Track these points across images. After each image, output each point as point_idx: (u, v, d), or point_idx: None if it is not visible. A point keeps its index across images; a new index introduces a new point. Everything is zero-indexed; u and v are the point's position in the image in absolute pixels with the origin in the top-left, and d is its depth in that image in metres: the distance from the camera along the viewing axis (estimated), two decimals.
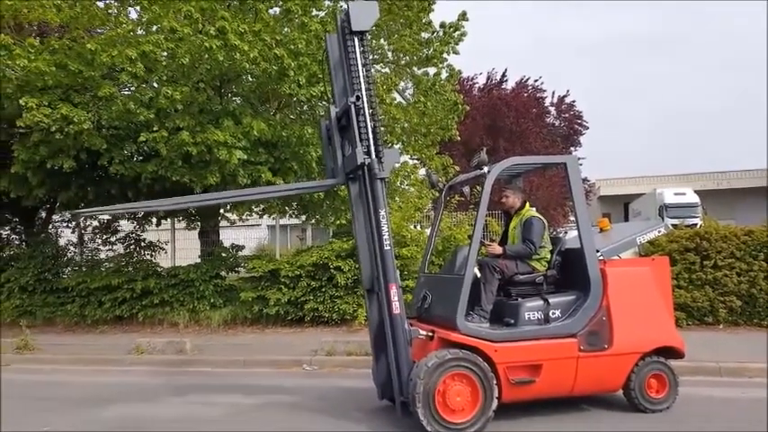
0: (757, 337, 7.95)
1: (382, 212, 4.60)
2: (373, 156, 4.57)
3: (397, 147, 10.60)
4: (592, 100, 71.05)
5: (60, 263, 11.50)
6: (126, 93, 9.41)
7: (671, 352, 5.03)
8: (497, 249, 5.09)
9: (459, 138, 12.55)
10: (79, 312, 10.48)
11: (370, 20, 4.74)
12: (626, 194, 31.68)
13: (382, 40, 11.33)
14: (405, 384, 4.48)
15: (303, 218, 12.97)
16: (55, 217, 12.89)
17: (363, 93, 4.62)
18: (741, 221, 10.97)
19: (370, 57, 4.71)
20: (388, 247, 4.60)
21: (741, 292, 8.53)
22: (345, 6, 5.04)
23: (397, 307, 4.52)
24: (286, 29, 9.22)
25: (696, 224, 12.25)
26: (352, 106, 4.55)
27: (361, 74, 4.66)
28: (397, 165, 4.90)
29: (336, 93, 4.97)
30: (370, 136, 4.58)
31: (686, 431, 4.57)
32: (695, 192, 25.74)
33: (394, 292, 4.54)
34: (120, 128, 9.20)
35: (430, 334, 4.74)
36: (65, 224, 12.71)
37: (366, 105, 4.60)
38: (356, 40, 4.67)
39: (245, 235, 14.59)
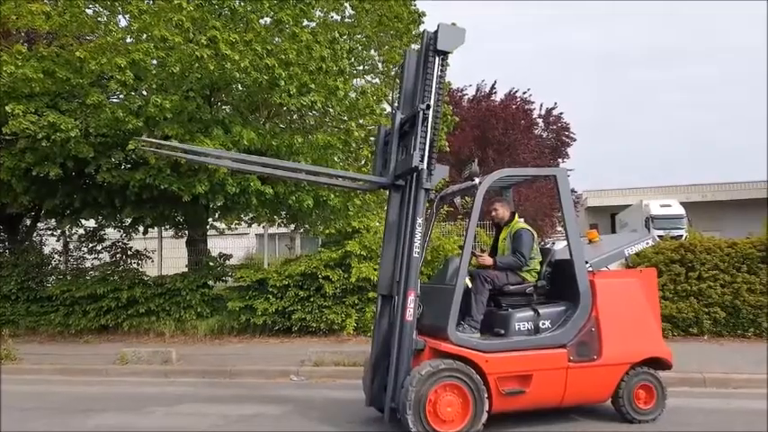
0: (741, 347, 8.05)
1: (419, 220, 4.73)
2: (425, 165, 4.70)
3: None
4: (584, 111, 72.02)
5: (44, 271, 11.35)
6: (115, 101, 9.36)
7: (659, 363, 5.07)
8: (488, 260, 5.13)
9: (448, 149, 12.62)
10: (63, 321, 10.33)
11: (456, 43, 4.97)
12: (613, 206, 32.02)
13: (373, 51, 11.40)
14: (398, 391, 4.48)
15: (292, 227, 12.92)
16: (40, 225, 12.72)
17: (433, 103, 4.80)
18: (727, 234, 11.13)
19: (439, 78, 4.90)
20: (417, 255, 4.69)
21: (725, 303, 8.65)
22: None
23: (410, 314, 4.60)
24: (277, 39, 9.25)
25: (682, 236, 12.41)
26: (421, 113, 4.71)
27: (434, 87, 4.84)
28: (444, 178, 5.24)
29: (403, 101, 5.15)
30: (427, 145, 4.72)
31: None
32: (681, 204, 26.10)
33: (411, 299, 4.61)
34: (108, 136, 9.13)
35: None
36: (49, 232, 12.54)
37: (432, 116, 4.78)
38: (438, 58, 4.87)
39: (233, 244, 14.45)
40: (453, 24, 5.09)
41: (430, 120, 4.71)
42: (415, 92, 4.98)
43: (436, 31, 4.86)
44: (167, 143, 7.26)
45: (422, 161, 4.61)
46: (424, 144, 4.66)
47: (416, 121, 4.72)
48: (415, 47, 11.24)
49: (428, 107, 4.70)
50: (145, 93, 9.11)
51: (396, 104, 5.51)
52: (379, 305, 5.02)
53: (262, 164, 5.91)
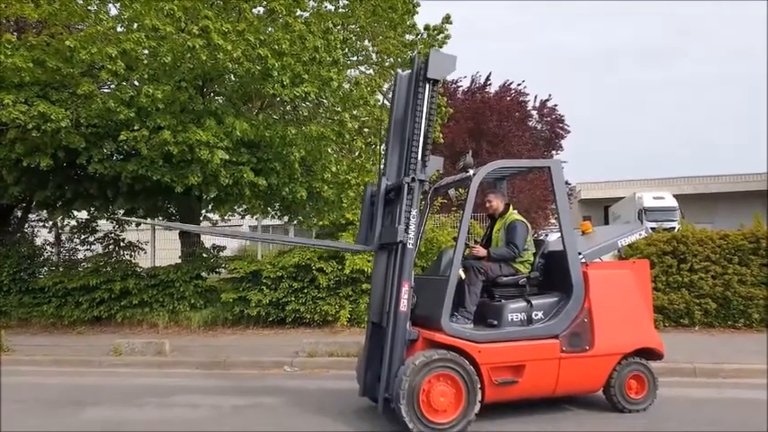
0: (731, 338, 8.13)
1: (406, 276, 4.66)
2: (410, 237, 4.69)
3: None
4: (579, 106, 72.05)
5: (36, 263, 11.27)
6: (106, 91, 9.27)
7: (650, 353, 5.12)
8: (482, 252, 5.15)
9: (442, 140, 12.61)
10: (56, 313, 10.29)
11: (447, 71, 4.99)
12: (606, 198, 32.13)
13: (367, 42, 11.33)
14: (391, 381, 4.50)
15: (285, 219, 12.90)
16: (31, 216, 12.62)
17: (423, 128, 4.77)
18: (719, 226, 11.20)
19: (429, 105, 4.87)
20: (411, 247, 4.70)
21: (716, 294, 8.72)
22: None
23: (404, 305, 4.62)
24: (270, 29, 9.17)
25: (674, 228, 12.47)
26: (406, 185, 4.71)
27: (424, 114, 4.80)
28: (438, 170, 5.26)
29: (393, 127, 5.04)
30: (407, 256, 4.68)
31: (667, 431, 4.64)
32: (674, 196, 26.22)
33: (405, 290, 4.63)
34: (99, 126, 9.04)
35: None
36: (41, 223, 12.46)
37: (422, 138, 4.77)
38: (428, 85, 4.83)
39: None
40: (446, 53, 5.05)
41: (415, 193, 4.70)
42: (405, 119, 4.95)
43: (427, 59, 4.85)
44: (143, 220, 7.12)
45: (406, 233, 4.63)
46: (409, 217, 4.67)
47: (402, 193, 4.71)
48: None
49: (413, 180, 4.70)
50: (136, 83, 9.02)
51: (384, 132, 5.42)
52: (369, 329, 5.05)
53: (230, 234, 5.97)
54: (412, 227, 4.68)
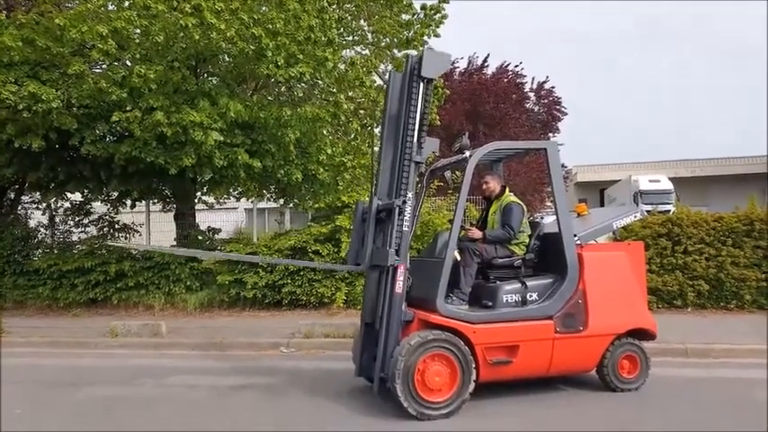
0: (722, 319, 8.22)
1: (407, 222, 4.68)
2: (401, 260, 4.67)
3: (377, 130, 10.52)
4: (576, 89, 71.76)
5: (30, 245, 11.23)
6: (97, 71, 9.14)
7: (644, 334, 5.16)
8: (477, 234, 5.15)
9: (439, 122, 12.53)
10: (51, 295, 10.28)
11: (441, 70, 5.01)
12: (602, 181, 32.16)
13: (362, 22, 11.19)
14: (387, 361, 4.53)
15: (281, 201, 12.86)
16: (24, 198, 12.53)
17: (417, 129, 4.76)
18: (714, 208, 11.24)
19: (424, 103, 4.85)
20: (407, 229, 4.70)
21: (709, 276, 8.78)
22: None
23: (399, 287, 4.63)
24: (264, 8, 9.01)
25: (669, 210, 12.50)
26: (397, 208, 4.67)
27: (418, 114, 4.79)
28: (434, 152, 5.27)
29: (387, 125, 5.00)
30: (403, 239, 4.68)
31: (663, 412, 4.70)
32: (669, 179, 26.26)
33: (401, 271, 4.64)
34: (91, 107, 8.94)
35: None
36: (34, 205, 12.37)
37: (413, 167, 4.77)
38: (422, 84, 4.81)
39: (222, 218, 14.37)
40: (440, 52, 5.00)
41: (405, 227, 4.67)
42: (399, 116, 4.91)
43: (420, 57, 4.81)
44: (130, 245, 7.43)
45: (397, 257, 4.62)
46: (400, 239, 4.66)
47: (392, 215, 4.68)
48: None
49: (404, 203, 4.67)
50: (128, 63, 8.89)
51: (379, 129, 5.39)
52: (368, 276, 4.99)
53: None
54: (404, 246, 4.65)
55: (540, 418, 4.46)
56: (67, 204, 11.85)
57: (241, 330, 8.18)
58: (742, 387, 5.24)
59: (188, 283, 10.05)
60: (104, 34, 7.78)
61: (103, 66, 9.16)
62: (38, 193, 11.80)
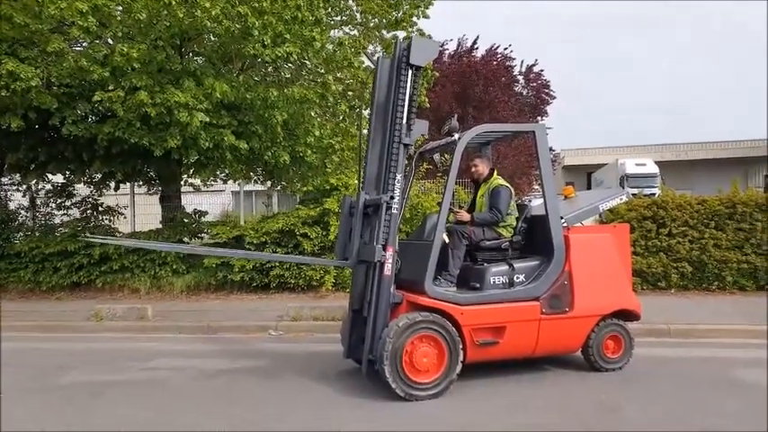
0: (705, 300, 8.36)
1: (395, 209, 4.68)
2: (387, 257, 4.65)
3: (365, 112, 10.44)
4: (566, 73, 71.73)
5: (11, 227, 11.06)
6: (78, 49, 8.91)
7: (628, 315, 5.23)
8: (466, 216, 5.17)
9: (428, 105, 12.46)
10: (33, 279, 10.14)
11: (429, 57, 4.98)
12: (589, 164, 32.36)
13: (351, 1, 11.01)
14: (375, 343, 4.55)
15: (268, 184, 12.76)
16: (3, 180, 12.28)
17: (406, 116, 4.73)
18: (697, 191, 11.37)
19: (412, 92, 4.82)
20: (396, 212, 4.69)
21: (692, 258, 8.91)
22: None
23: (388, 269, 4.64)
24: None
25: (655, 194, 12.63)
26: (384, 204, 4.63)
27: (407, 101, 4.75)
28: (423, 134, 5.26)
29: (375, 112, 4.94)
30: (391, 232, 4.66)
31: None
32: (655, 162, 26.49)
33: (390, 254, 4.63)
34: (72, 86, 8.75)
35: None
36: (14, 187, 12.14)
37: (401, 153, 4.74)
38: (410, 71, 4.78)
39: (209, 201, 14.19)
40: (429, 36, 4.95)
41: (394, 210, 4.66)
42: (387, 104, 4.87)
43: (409, 45, 4.76)
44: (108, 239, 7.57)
45: (384, 254, 4.59)
46: (387, 236, 4.63)
47: (380, 211, 4.64)
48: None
49: (392, 198, 4.64)
50: (110, 41, 8.69)
51: (368, 111, 5.36)
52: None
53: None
54: (391, 237, 4.64)
55: (527, 398, 4.51)
56: (49, 186, 11.64)
57: (229, 313, 8.15)
58: (722, 366, 5.34)
59: (174, 267, 9.97)
60: (84, 11, 7.57)
61: (84, 44, 8.94)
62: (18, 175, 11.57)
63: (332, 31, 10.61)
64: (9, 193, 12.05)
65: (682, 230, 8.94)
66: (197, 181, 12.99)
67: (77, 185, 11.78)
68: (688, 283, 8.97)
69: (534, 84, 27.03)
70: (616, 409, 4.26)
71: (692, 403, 4.34)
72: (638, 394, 4.58)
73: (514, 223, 5.20)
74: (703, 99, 73.47)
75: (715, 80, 76.41)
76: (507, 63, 25.52)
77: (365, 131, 5.17)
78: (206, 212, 11.49)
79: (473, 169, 5.49)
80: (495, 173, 5.44)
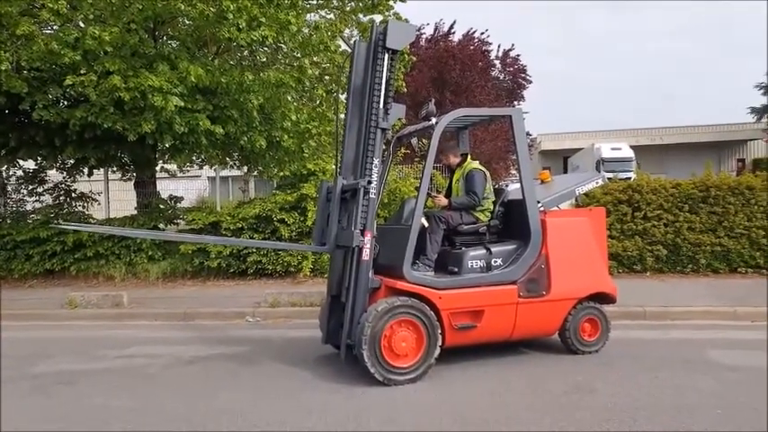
0: (679, 283, 8.54)
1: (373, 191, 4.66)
2: (365, 241, 4.63)
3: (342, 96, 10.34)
4: (542, 58, 71.88)
5: None
6: (48, 32, 8.64)
7: (604, 298, 5.31)
8: (443, 201, 5.19)
9: (405, 89, 12.40)
10: (5, 266, 9.93)
11: (405, 41, 4.91)
12: (566, 149, 32.67)
13: None
14: (354, 327, 4.55)
15: (245, 169, 12.61)
16: None
17: (383, 100, 4.70)
18: (671, 175, 11.55)
19: (388, 76, 4.79)
20: (374, 197, 4.67)
21: (667, 241, 9.08)
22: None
23: (366, 254, 4.63)
24: None
25: (630, 177, 12.80)
26: (362, 189, 4.59)
27: (383, 86, 4.73)
28: (400, 119, 5.28)
29: (352, 96, 4.89)
30: (369, 217, 4.64)
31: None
32: (631, 147, 26.86)
33: (368, 239, 4.62)
34: (42, 70, 8.49)
35: None
36: None
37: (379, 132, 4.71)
38: (387, 55, 4.75)
39: (185, 186, 14.01)
40: (406, 20, 4.90)
41: (371, 194, 4.63)
42: (364, 88, 4.83)
43: (385, 29, 4.70)
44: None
45: (362, 239, 4.57)
46: (365, 221, 4.61)
47: (357, 196, 4.61)
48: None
49: (369, 183, 4.61)
50: (82, 24, 8.43)
51: (345, 95, 5.31)
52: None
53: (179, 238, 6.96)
54: (369, 222, 4.62)
55: (504, 381, 4.56)
56: (20, 172, 11.34)
57: (205, 300, 8.08)
58: (696, 347, 5.46)
59: (150, 253, 9.83)
60: None
61: (55, 27, 8.66)
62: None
63: (308, 15, 10.45)
64: None
65: (656, 214, 9.09)
66: (172, 166, 12.78)
67: (49, 171, 11.49)
68: (663, 266, 9.14)
69: (511, 68, 27.11)
70: (593, 390, 4.33)
71: (668, 384, 4.42)
72: (614, 376, 4.65)
73: (492, 207, 5.23)
74: (682, 82, 74.46)
75: (694, 64, 77.34)
76: (484, 48, 25.54)
77: (342, 116, 5.10)
78: (182, 198, 11.32)
79: (444, 161, 5.60)
80: (470, 157, 5.46)
